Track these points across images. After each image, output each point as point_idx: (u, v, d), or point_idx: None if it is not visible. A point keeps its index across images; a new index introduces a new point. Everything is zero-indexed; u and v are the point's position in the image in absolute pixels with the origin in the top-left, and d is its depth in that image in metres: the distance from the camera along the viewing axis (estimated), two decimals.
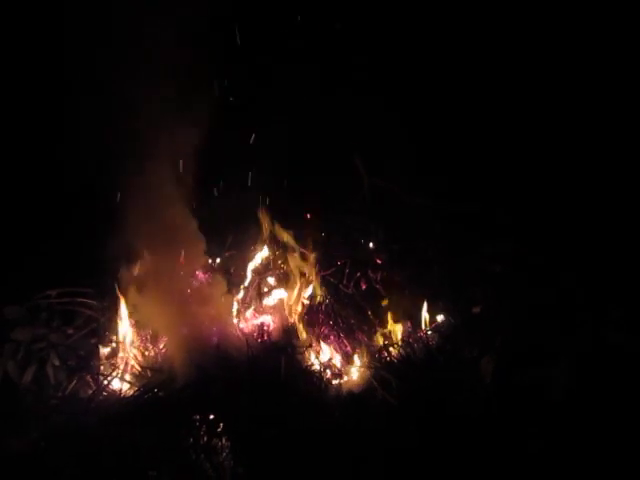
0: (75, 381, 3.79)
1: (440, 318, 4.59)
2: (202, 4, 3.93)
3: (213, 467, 3.45)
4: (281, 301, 4.77)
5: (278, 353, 4.18)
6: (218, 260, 5.09)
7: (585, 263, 4.33)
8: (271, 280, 4.94)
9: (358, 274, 4.86)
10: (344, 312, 4.71)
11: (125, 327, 4.24)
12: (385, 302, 4.67)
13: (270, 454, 3.52)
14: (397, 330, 4.52)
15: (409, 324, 4.58)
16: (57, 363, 3.86)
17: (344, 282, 4.87)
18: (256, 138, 5.15)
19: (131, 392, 3.76)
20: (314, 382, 4.03)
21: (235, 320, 4.61)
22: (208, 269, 4.89)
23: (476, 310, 4.29)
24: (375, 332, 4.54)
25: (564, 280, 4.21)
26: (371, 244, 5.09)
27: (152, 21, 3.89)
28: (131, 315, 4.32)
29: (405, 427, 3.57)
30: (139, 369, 3.99)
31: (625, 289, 4.03)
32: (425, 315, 4.57)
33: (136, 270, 4.34)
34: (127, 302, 4.31)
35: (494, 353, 3.74)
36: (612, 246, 4.41)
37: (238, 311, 4.71)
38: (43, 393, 3.72)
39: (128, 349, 4.12)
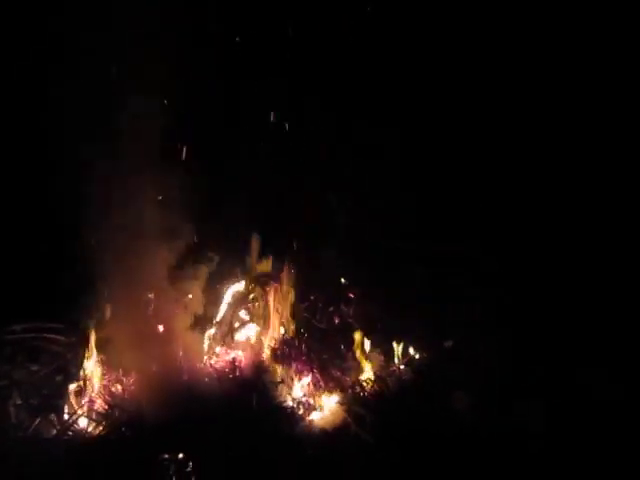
0: (38, 420, 3.64)
1: (414, 353, 4.57)
2: None
3: None
4: (253, 336, 4.71)
5: (250, 390, 4.11)
6: (190, 296, 5.01)
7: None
8: (243, 314, 4.88)
9: (331, 309, 4.83)
10: (317, 347, 4.66)
11: (93, 364, 4.13)
12: (358, 336, 4.64)
13: None
14: (370, 365, 4.49)
15: (382, 358, 4.56)
16: (19, 402, 3.72)
17: (317, 317, 4.84)
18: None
19: (97, 431, 3.63)
20: (287, 418, 3.96)
21: (206, 356, 4.53)
22: (178, 304, 4.80)
23: (448, 345, 4.29)
24: (348, 367, 4.49)
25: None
26: (343, 280, 5.07)
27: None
28: (99, 351, 4.21)
29: (379, 461, 3.52)
30: (106, 407, 3.86)
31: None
32: (398, 350, 4.56)
33: (105, 306, 4.25)
34: (96, 338, 4.21)
35: (468, 390, 3.74)
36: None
37: (209, 347, 4.63)
38: (3, 433, 3.56)
39: (95, 387, 4.00)
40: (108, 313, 4.18)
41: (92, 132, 3.80)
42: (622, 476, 3.23)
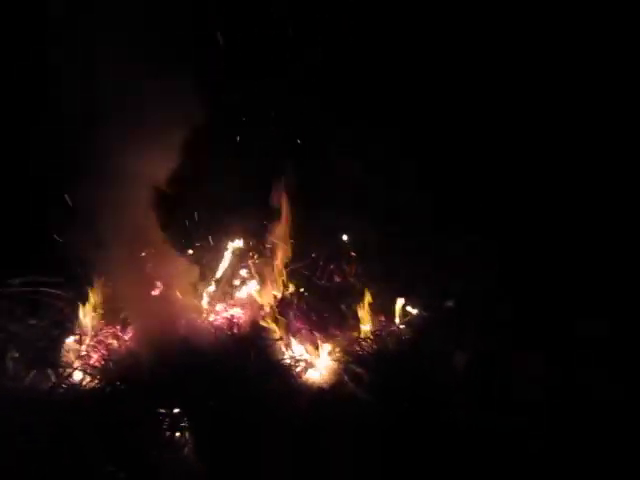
0: (33, 373, 3.65)
1: (414, 312, 4.51)
2: None
3: (175, 463, 3.35)
4: (253, 294, 4.67)
5: (247, 347, 4.09)
6: (190, 251, 4.97)
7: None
8: (244, 273, 4.84)
9: (331, 266, 4.76)
10: (317, 305, 4.62)
11: (90, 318, 4.13)
12: (358, 295, 4.58)
13: (235, 447, 3.43)
14: (371, 323, 4.44)
15: (383, 318, 4.50)
16: (16, 355, 3.73)
17: (317, 274, 4.78)
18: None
19: (92, 385, 3.64)
20: (283, 376, 3.94)
21: (205, 313, 4.51)
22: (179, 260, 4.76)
23: (449, 304, 4.22)
24: (348, 325, 4.45)
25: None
26: (346, 237, 4.99)
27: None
28: (98, 306, 4.20)
29: (374, 421, 3.50)
30: (102, 361, 3.86)
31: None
32: (399, 309, 4.50)
33: (107, 259, 4.20)
34: (95, 293, 4.19)
35: (467, 347, 3.68)
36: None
37: (208, 304, 4.61)
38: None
39: (92, 341, 4.00)
40: (108, 268, 4.13)
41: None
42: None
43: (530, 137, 5.08)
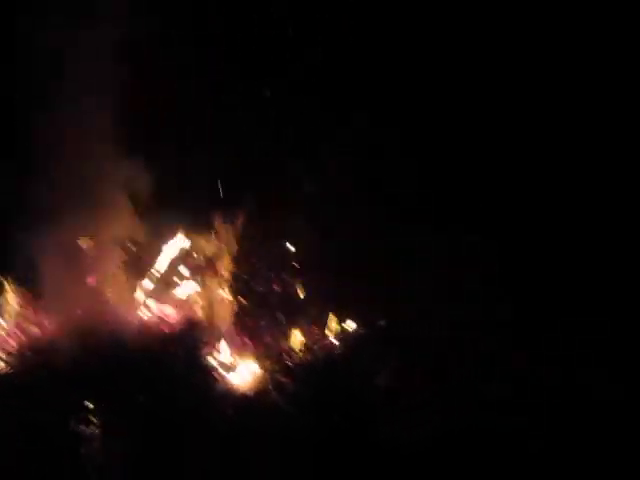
0: None
1: (350, 327, 4.50)
2: None
3: (85, 456, 3.26)
4: (190, 294, 4.59)
5: (175, 346, 4.03)
6: (132, 246, 4.83)
7: None
8: (184, 271, 4.73)
9: (271, 274, 4.72)
10: (254, 312, 4.57)
11: (11, 303, 3.97)
12: (296, 305, 4.56)
13: (148, 445, 3.37)
14: (304, 335, 4.42)
15: (317, 331, 4.49)
16: None
17: (257, 281, 4.73)
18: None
19: (5, 373, 3.48)
20: (206, 379, 3.88)
21: (137, 308, 4.40)
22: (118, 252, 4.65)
23: (382, 323, 4.24)
24: (281, 334, 4.42)
25: None
26: (292, 247, 4.92)
27: None
28: (20, 292, 4.05)
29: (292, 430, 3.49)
30: (18, 348, 3.71)
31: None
32: (335, 323, 4.49)
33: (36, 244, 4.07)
34: (16, 279, 4.04)
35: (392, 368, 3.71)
36: None
37: (142, 299, 4.50)
38: None
39: (11, 326, 3.84)
40: (34, 253, 3.99)
41: None
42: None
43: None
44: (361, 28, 5.03)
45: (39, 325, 3.91)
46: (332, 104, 4.95)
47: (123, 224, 4.50)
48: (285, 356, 4.19)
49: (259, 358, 4.15)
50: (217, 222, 4.76)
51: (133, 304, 4.38)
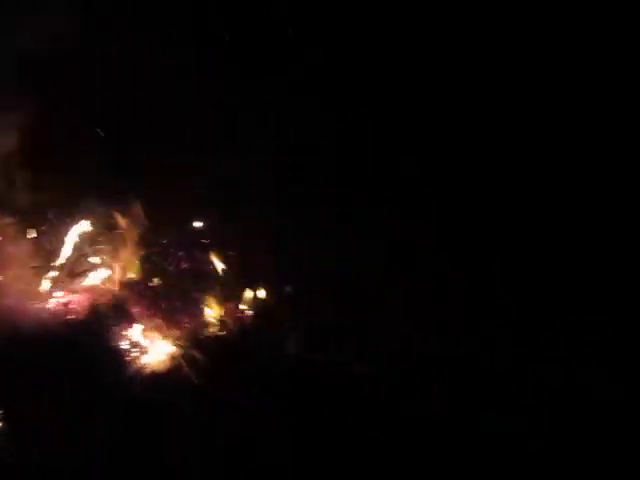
0: None
1: (262, 296, 4.53)
2: None
3: None
4: (98, 279, 4.53)
5: (84, 332, 3.97)
6: (33, 233, 4.72)
7: None
8: (90, 256, 4.66)
9: (181, 253, 4.69)
10: (168, 292, 4.54)
11: None
12: (209, 282, 4.56)
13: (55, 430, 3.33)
14: (219, 309, 4.43)
15: (232, 304, 4.50)
16: None
17: (168, 260, 4.70)
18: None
19: None
20: (117, 361, 3.85)
21: (44, 298, 4.31)
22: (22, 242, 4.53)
23: (288, 290, 4.29)
24: (195, 312, 4.41)
25: None
26: (198, 224, 4.90)
27: None
28: None
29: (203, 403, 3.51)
30: None
31: None
32: (247, 295, 4.51)
33: None
34: None
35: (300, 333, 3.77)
36: None
37: (49, 288, 4.41)
38: None
39: None
40: None
41: None
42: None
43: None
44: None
45: None
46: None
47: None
48: (200, 333, 4.19)
49: (174, 338, 4.14)
50: (120, 205, 4.70)
51: (39, 296, 4.29)
